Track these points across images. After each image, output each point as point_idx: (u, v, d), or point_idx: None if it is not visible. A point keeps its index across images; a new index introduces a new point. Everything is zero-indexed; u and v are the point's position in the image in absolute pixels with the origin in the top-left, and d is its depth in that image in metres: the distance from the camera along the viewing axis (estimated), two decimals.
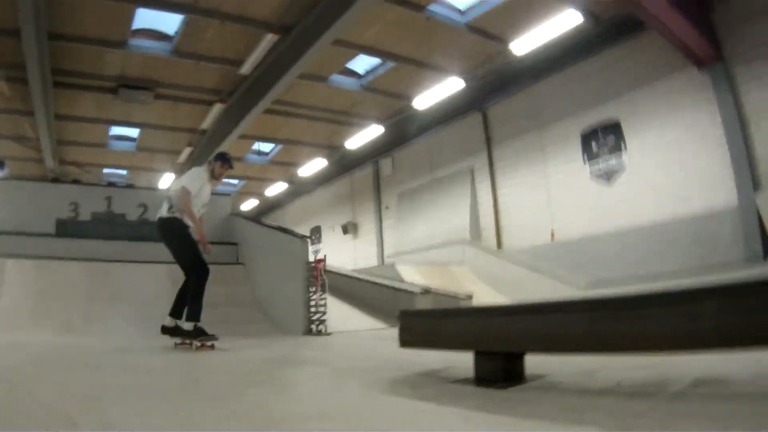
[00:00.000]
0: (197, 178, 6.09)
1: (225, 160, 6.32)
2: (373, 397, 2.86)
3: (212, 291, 6.04)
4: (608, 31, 13.24)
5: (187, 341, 5.59)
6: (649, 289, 2.63)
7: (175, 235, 5.90)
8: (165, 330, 5.83)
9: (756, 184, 10.60)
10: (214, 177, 6.28)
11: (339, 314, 8.60)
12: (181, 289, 5.91)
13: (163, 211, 5.95)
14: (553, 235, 14.73)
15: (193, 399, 2.94)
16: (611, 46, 13.41)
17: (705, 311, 2.11)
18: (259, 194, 29.23)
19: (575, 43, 13.74)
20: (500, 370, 2.92)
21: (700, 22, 10.79)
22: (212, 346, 5.57)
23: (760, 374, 2.57)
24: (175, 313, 5.82)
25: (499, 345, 2.97)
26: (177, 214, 5.88)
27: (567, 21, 12.25)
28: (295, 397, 3.11)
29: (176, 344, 5.74)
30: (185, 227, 5.90)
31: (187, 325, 5.57)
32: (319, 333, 7.54)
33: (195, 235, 5.92)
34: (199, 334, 5.53)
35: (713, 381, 2.62)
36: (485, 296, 12.61)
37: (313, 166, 23.34)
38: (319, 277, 7.88)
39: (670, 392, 2.51)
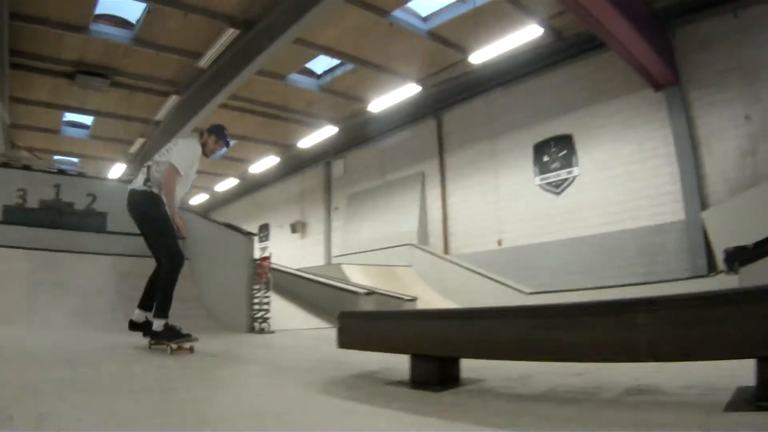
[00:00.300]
0: (189, 154, 5.09)
1: (221, 135, 5.37)
2: (307, 397, 2.87)
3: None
4: (570, 47, 13.50)
5: (163, 343, 4.71)
6: (593, 298, 2.66)
7: (151, 213, 4.90)
8: (134, 326, 4.98)
9: (704, 202, 10.97)
10: (204, 153, 5.28)
11: (283, 313, 8.51)
12: (152, 278, 5.03)
13: (138, 183, 4.95)
14: (500, 242, 14.88)
15: (127, 393, 2.89)
16: (571, 62, 13.67)
17: (638, 323, 2.13)
18: (208, 189, 28.88)
19: (535, 56, 13.97)
20: (435, 374, 2.91)
21: (659, 46, 11.08)
22: (191, 349, 4.75)
23: (690, 384, 2.61)
24: (145, 305, 4.95)
25: (433, 349, 2.97)
26: (155, 189, 4.88)
27: (529, 35, 12.35)
28: (230, 395, 3.08)
29: (150, 345, 4.83)
30: (164, 205, 4.86)
31: (157, 324, 4.68)
32: (262, 331, 7.44)
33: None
34: (172, 335, 4.66)
35: (645, 390, 2.65)
36: (430, 299, 12.65)
37: (265, 163, 23.18)
38: (263, 274, 7.79)
39: (602, 399, 2.54)
